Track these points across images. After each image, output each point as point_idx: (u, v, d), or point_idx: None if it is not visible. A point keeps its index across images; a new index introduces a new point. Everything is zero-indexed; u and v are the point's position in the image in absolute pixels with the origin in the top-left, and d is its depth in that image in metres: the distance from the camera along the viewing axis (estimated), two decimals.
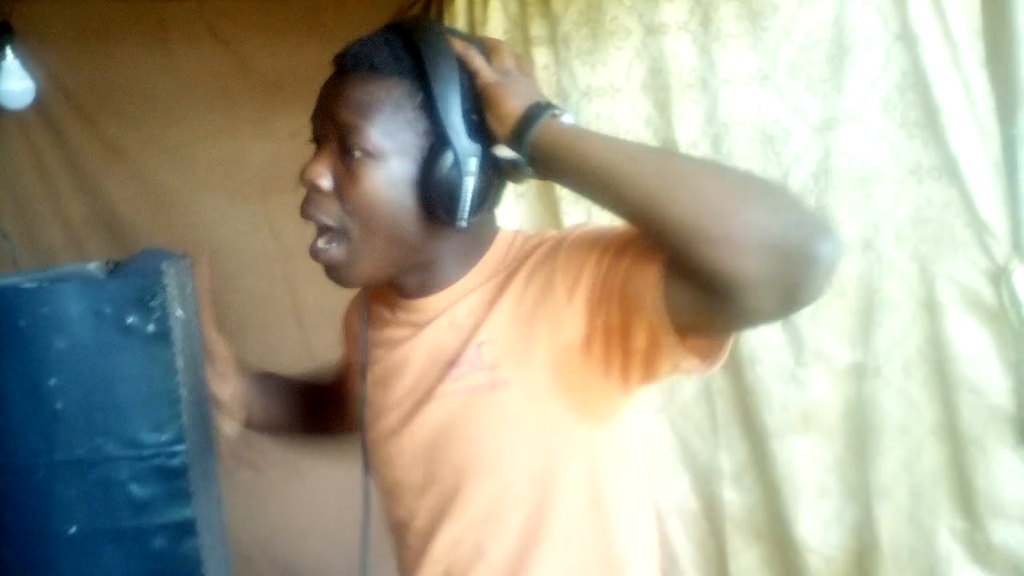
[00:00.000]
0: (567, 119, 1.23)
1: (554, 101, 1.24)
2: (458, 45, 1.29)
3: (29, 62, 2.75)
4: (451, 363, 1.32)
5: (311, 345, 3.06)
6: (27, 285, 1.22)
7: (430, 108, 1.26)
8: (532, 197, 2.68)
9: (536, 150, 1.20)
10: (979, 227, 2.32)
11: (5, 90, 2.74)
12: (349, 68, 1.30)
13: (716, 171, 1.15)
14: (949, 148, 2.32)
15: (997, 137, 2.29)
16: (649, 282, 1.14)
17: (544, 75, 2.64)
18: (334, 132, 1.29)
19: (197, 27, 2.90)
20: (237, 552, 2.31)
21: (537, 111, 1.21)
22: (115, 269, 1.40)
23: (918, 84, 2.34)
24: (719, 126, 2.52)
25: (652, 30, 2.55)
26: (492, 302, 1.32)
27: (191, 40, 2.90)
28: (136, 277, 1.21)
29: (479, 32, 2.66)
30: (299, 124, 2.96)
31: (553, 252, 1.30)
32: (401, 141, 1.27)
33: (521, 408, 1.29)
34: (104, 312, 1.20)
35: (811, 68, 2.44)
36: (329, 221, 1.30)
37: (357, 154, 1.26)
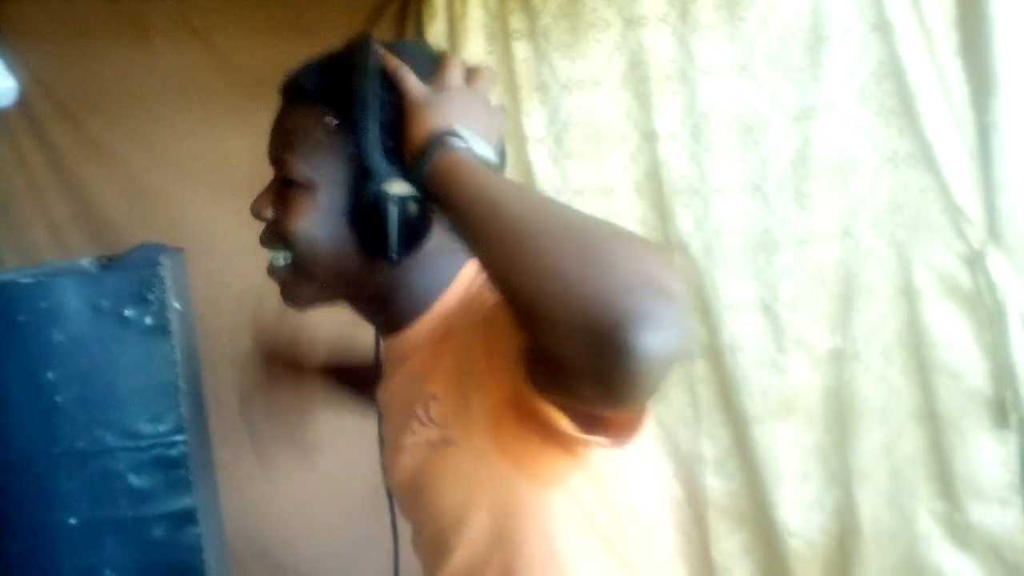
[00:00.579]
0: (478, 150, 1.12)
1: (464, 131, 1.12)
2: (391, 63, 1.19)
3: (12, 61, 2.74)
4: (411, 415, 1.26)
5: (297, 341, 3.06)
6: (25, 280, 1.24)
7: (356, 133, 1.18)
8: None
9: (428, 184, 1.11)
10: (955, 213, 2.36)
11: None
12: (284, 97, 1.28)
13: (562, 233, 0.95)
14: (925, 136, 2.36)
15: (972, 124, 2.33)
16: (518, 352, 1.03)
17: (524, 69, 2.65)
18: (274, 163, 1.27)
19: (178, 25, 2.89)
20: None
21: (436, 138, 1.11)
22: (108, 264, 1.41)
23: (894, 73, 2.38)
24: (698, 117, 2.55)
25: (631, 22, 2.57)
26: (439, 354, 1.24)
27: (172, 38, 2.89)
28: (133, 270, 1.23)
29: (458, 26, 2.68)
30: None
31: (482, 305, 1.21)
32: (330, 169, 1.21)
33: (471, 466, 1.20)
34: (102, 305, 1.22)
35: (788, 58, 2.47)
36: (277, 249, 1.27)
37: (292, 184, 1.23)
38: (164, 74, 2.91)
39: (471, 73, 1.22)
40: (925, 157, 2.38)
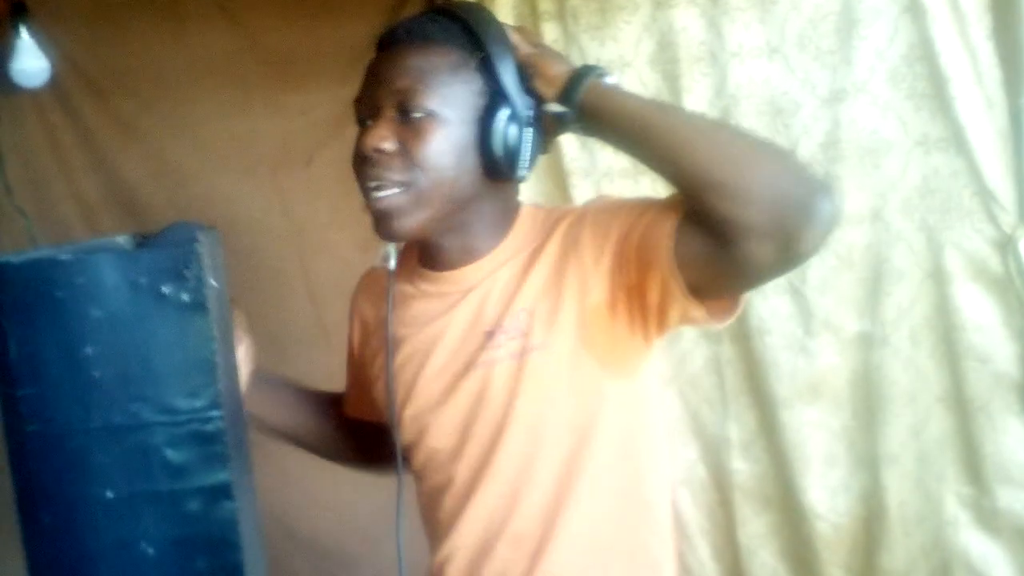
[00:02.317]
0: (610, 79, 1.37)
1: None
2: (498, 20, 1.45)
3: (44, 41, 2.77)
4: (490, 332, 1.41)
5: (323, 321, 3.08)
6: (64, 257, 1.25)
7: (484, 70, 1.40)
8: (541, 173, 2.69)
9: (585, 106, 1.35)
10: (986, 197, 2.34)
11: (20, 69, 2.76)
12: (401, 40, 1.37)
13: (735, 130, 1.37)
14: (956, 119, 2.34)
15: (1004, 107, 2.31)
16: (664, 234, 1.26)
17: None
18: (391, 100, 1.38)
19: (209, 6, 2.91)
20: None
21: (585, 71, 1.36)
22: (144, 242, 1.43)
23: (925, 56, 2.36)
24: (728, 99, 2.54)
25: (660, 4, 2.56)
26: (526, 271, 1.42)
27: (203, 19, 2.91)
28: (170, 248, 1.24)
29: (488, 6, 2.68)
30: (310, 102, 2.99)
31: (580, 221, 1.41)
32: (460, 100, 1.39)
33: (553, 369, 1.38)
34: (139, 282, 1.23)
35: (819, 40, 2.46)
36: (399, 177, 1.38)
37: (419, 115, 1.36)
38: (195, 54, 2.93)
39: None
40: (956, 140, 2.36)
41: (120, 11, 2.84)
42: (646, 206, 1.33)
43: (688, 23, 2.54)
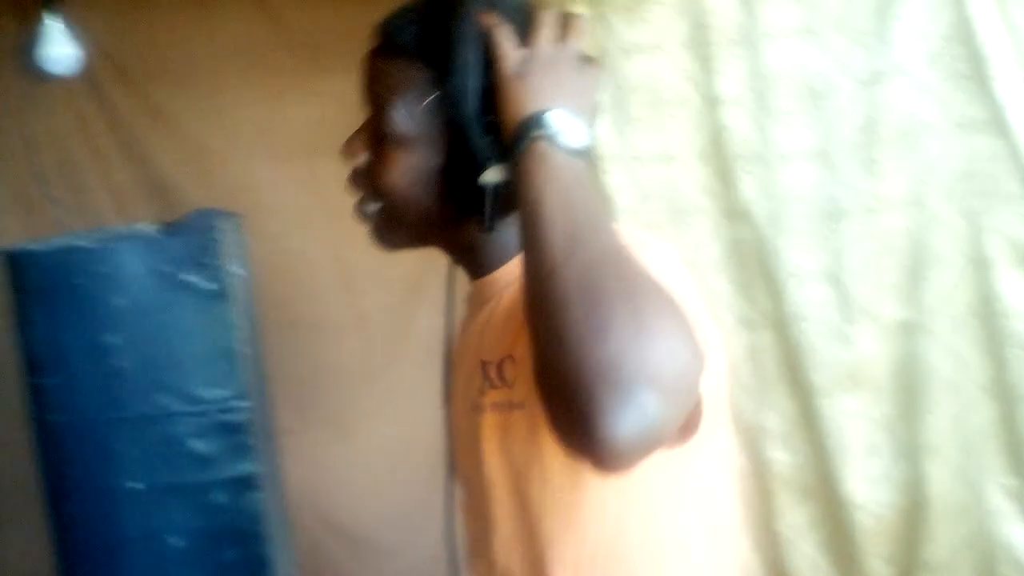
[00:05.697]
0: (565, 139, 1.05)
1: (556, 113, 1.06)
2: (490, 24, 1.15)
3: (74, 29, 2.78)
4: (483, 370, 1.23)
5: (359, 307, 3.07)
6: (85, 245, 1.23)
7: (451, 99, 1.16)
8: None
9: (516, 171, 1.06)
10: None
11: (51, 56, 2.78)
12: (381, 42, 1.22)
13: (582, 280, 0.92)
14: (996, 100, 2.29)
15: None
16: None
17: None
18: (367, 107, 1.24)
19: None
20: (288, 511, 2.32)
21: (525, 126, 1.06)
22: (167, 229, 1.41)
23: (965, 36, 2.31)
24: (762, 81, 2.49)
25: None
26: (518, 312, 1.15)
27: (233, 4, 2.91)
28: (193, 235, 1.23)
29: None
30: (341, 86, 2.97)
31: None
32: (427, 128, 1.19)
33: (530, 435, 1.17)
34: (162, 270, 1.21)
35: (856, 21, 2.41)
36: (369, 196, 1.25)
37: (387, 134, 1.21)
38: (225, 42, 2.93)
39: (564, 27, 1.17)
40: (997, 122, 2.31)
41: None
42: None
43: (721, 4, 2.49)
